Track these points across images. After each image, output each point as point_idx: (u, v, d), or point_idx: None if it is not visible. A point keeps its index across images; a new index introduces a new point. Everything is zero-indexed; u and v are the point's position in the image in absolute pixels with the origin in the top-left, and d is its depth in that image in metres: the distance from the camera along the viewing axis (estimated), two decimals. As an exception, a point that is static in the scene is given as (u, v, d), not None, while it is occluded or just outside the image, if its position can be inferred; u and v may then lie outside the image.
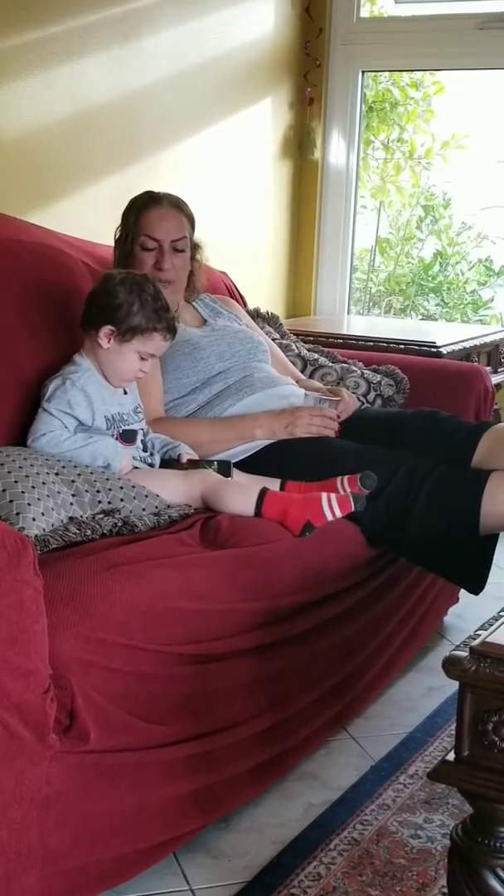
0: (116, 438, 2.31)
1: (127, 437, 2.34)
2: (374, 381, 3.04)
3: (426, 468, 2.45)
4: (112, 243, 2.74)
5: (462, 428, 2.65)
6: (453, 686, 1.45)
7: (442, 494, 2.40)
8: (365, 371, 3.08)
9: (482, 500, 2.37)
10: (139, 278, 2.35)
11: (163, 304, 2.33)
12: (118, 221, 2.71)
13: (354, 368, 3.09)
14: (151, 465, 2.38)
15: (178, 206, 2.69)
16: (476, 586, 2.52)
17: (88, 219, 3.13)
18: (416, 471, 2.44)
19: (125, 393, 2.39)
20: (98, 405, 2.29)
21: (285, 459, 2.53)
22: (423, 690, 2.72)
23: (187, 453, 2.45)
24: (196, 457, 2.46)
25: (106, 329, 2.30)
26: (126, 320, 2.29)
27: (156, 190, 2.73)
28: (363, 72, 4.36)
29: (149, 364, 2.38)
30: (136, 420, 2.39)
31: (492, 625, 1.51)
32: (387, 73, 4.95)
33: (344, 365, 3.12)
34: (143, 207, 2.66)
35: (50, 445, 2.21)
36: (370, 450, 2.53)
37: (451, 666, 1.43)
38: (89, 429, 2.28)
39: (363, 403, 2.99)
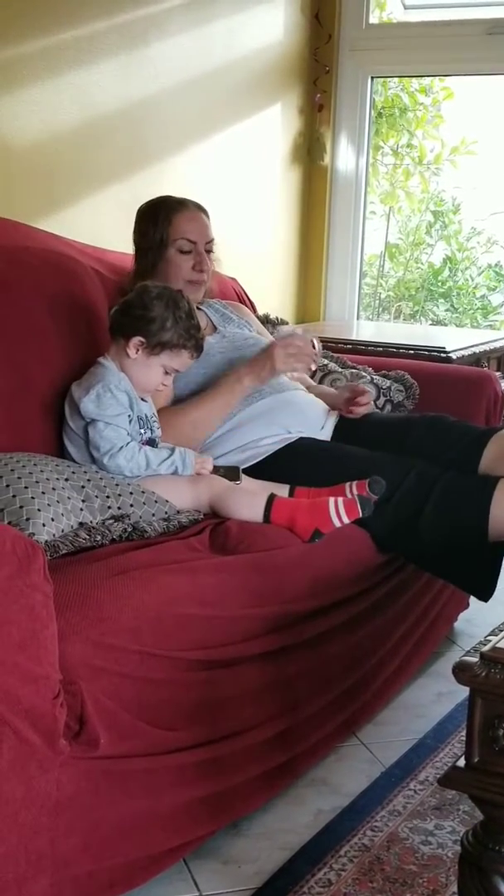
0: (143, 444, 2.32)
1: (150, 445, 2.36)
2: (384, 387, 3.04)
3: (435, 474, 2.44)
4: (121, 249, 2.74)
5: (469, 433, 2.65)
6: (464, 692, 1.45)
7: (450, 501, 2.40)
8: (375, 376, 3.08)
9: (491, 507, 2.36)
10: (175, 294, 2.37)
11: (195, 322, 2.36)
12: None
13: (364, 374, 3.09)
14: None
15: (202, 208, 2.73)
16: (485, 593, 2.51)
17: (97, 225, 3.14)
18: (426, 477, 2.44)
19: (143, 400, 2.40)
20: (134, 406, 2.32)
21: (294, 465, 2.53)
22: (434, 696, 2.71)
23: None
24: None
25: (136, 340, 2.31)
26: (158, 334, 2.31)
27: (164, 196, 2.73)
28: (372, 77, 4.37)
29: (171, 378, 2.39)
30: (155, 426, 2.40)
31: (502, 630, 1.51)
32: (396, 79, 4.96)
33: (353, 370, 3.13)
34: (172, 211, 2.67)
35: (127, 459, 2.24)
36: (379, 455, 2.53)
37: (461, 672, 1.42)
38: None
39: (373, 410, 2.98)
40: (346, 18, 4.23)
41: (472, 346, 3.65)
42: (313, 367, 2.65)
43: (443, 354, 3.47)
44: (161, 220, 2.66)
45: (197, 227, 2.68)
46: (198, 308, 2.77)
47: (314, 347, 2.63)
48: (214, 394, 2.57)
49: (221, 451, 2.58)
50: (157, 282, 2.54)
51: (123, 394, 2.29)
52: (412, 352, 3.49)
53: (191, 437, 2.51)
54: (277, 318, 3.31)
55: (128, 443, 2.26)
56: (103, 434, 2.25)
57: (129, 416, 2.30)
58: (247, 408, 2.62)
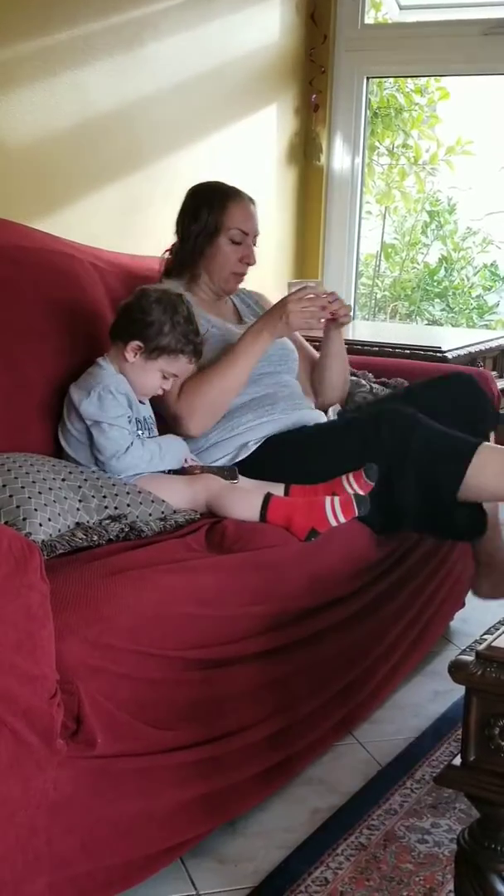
0: None
1: None
2: (383, 395, 3.01)
3: (406, 423, 2.43)
4: (116, 249, 2.74)
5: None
6: (460, 690, 1.45)
7: (426, 464, 2.39)
8: (374, 385, 3.04)
9: (465, 475, 2.36)
10: (175, 299, 2.36)
11: (194, 327, 2.35)
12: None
13: (363, 382, 3.05)
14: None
15: (253, 200, 2.75)
16: (470, 536, 2.53)
17: (93, 226, 3.14)
18: (398, 428, 2.42)
19: (141, 402, 2.41)
20: (133, 408, 2.33)
21: (274, 455, 2.53)
22: (430, 695, 2.71)
23: (192, 459, 2.46)
24: (200, 462, 2.47)
25: (134, 344, 2.31)
26: (155, 339, 2.31)
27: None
28: (368, 78, 4.37)
29: (169, 382, 2.39)
30: (154, 428, 2.42)
31: (497, 629, 1.51)
32: (391, 79, 4.97)
33: (353, 379, 3.08)
34: (228, 199, 2.68)
35: (137, 457, 2.25)
36: (344, 424, 2.56)
37: (456, 670, 1.43)
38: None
39: None
40: (341, 19, 4.24)
41: (467, 346, 3.65)
42: (339, 319, 2.62)
43: (439, 354, 3.47)
44: (217, 205, 2.66)
45: (250, 219, 2.69)
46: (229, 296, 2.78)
47: (331, 298, 2.58)
48: (235, 356, 2.53)
49: (220, 454, 2.57)
50: (207, 267, 2.59)
51: (123, 396, 2.29)
52: (408, 352, 3.49)
53: (218, 403, 2.52)
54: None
55: (132, 442, 2.26)
56: (109, 435, 2.24)
57: (129, 416, 2.30)
58: (255, 421, 2.60)
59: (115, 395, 2.28)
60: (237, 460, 2.55)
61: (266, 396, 2.64)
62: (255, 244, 2.72)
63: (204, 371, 2.53)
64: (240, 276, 2.73)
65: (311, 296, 2.55)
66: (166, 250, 2.76)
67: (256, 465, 2.52)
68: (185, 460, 2.44)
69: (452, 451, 2.41)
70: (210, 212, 2.66)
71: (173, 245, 2.75)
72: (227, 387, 2.52)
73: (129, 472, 2.25)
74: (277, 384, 2.69)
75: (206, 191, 2.71)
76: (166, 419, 2.55)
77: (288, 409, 2.66)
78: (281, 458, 2.52)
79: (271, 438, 2.58)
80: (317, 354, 2.89)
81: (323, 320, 2.62)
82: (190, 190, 2.74)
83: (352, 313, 2.67)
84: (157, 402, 2.50)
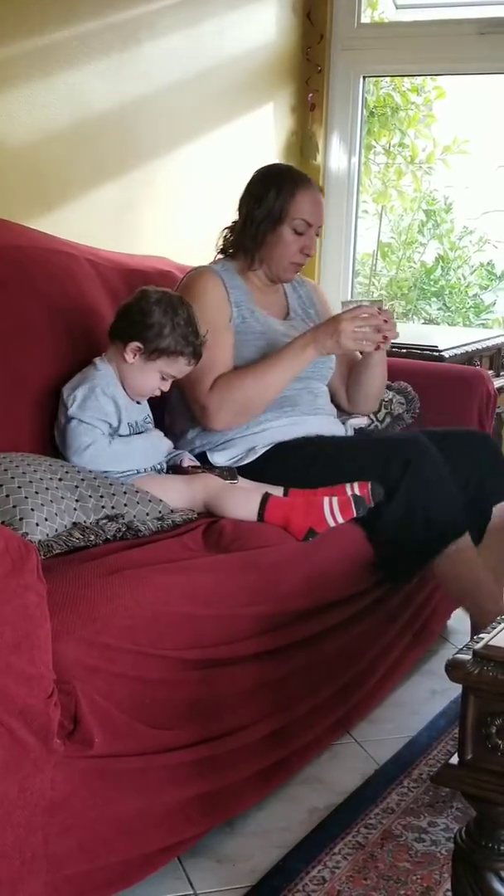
0: None
1: None
2: (386, 399, 2.98)
3: (430, 463, 2.41)
4: (114, 249, 2.72)
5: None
6: (457, 689, 1.45)
7: (427, 517, 2.39)
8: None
9: (437, 561, 2.40)
10: (175, 300, 2.35)
11: (193, 329, 2.34)
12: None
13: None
14: (158, 471, 2.39)
15: (320, 189, 2.67)
16: (400, 579, 2.54)
17: (90, 225, 3.14)
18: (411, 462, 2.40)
19: (138, 402, 2.40)
20: (123, 413, 2.32)
21: (278, 463, 2.52)
22: (427, 694, 2.72)
23: (189, 459, 2.46)
24: (197, 462, 2.47)
25: (133, 345, 2.31)
26: (155, 341, 2.30)
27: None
28: (364, 77, 4.36)
29: (168, 384, 2.39)
30: (148, 429, 2.41)
31: (495, 628, 1.51)
32: (388, 78, 4.97)
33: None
34: (297, 186, 2.59)
35: (96, 455, 2.24)
36: (361, 445, 2.53)
37: (454, 669, 1.43)
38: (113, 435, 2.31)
39: (372, 422, 2.96)
40: (337, 18, 4.23)
41: (464, 345, 3.65)
42: (386, 343, 2.52)
43: (435, 353, 3.47)
44: (285, 190, 2.58)
45: (318, 210, 2.61)
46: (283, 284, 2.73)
47: (385, 318, 2.47)
48: (277, 361, 2.50)
49: (232, 452, 2.57)
50: (266, 254, 2.56)
51: (109, 400, 2.29)
52: (405, 350, 3.49)
53: (248, 405, 2.50)
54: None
55: (94, 441, 2.25)
56: (75, 431, 2.25)
57: (109, 421, 2.29)
58: (275, 419, 2.58)
59: (100, 397, 2.27)
60: (242, 464, 2.54)
61: (289, 398, 2.61)
62: (318, 235, 2.64)
63: (242, 369, 2.51)
64: (298, 266, 2.66)
65: (366, 315, 2.46)
66: (226, 227, 2.69)
67: (258, 469, 2.51)
68: (183, 461, 2.44)
69: (453, 524, 2.41)
70: (278, 196, 2.57)
71: (234, 223, 2.68)
72: (261, 391, 2.49)
73: (97, 467, 2.24)
74: (305, 388, 2.66)
75: (275, 175, 2.63)
76: (192, 408, 2.54)
77: (308, 412, 2.63)
78: (284, 466, 2.51)
79: (279, 445, 2.56)
80: (358, 356, 2.81)
81: (376, 343, 2.50)
82: (258, 171, 2.67)
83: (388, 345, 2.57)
84: (187, 389, 2.51)
